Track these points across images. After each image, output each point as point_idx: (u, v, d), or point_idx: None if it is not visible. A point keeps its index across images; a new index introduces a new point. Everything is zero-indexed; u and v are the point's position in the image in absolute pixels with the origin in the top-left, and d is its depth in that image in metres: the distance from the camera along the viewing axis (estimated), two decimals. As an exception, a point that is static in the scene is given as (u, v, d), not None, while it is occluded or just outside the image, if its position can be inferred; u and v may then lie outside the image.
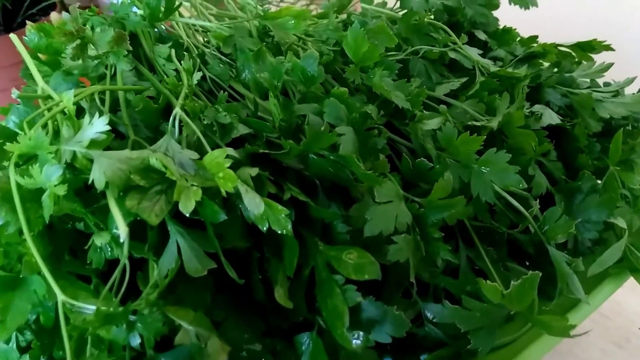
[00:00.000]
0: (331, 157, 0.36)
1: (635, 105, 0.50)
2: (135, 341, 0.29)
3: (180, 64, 0.44)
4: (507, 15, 0.64)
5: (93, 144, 0.32)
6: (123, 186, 0.32)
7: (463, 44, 0.57)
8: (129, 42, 0.43)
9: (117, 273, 0.32)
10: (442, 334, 0.39)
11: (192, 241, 0.33)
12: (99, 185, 0.31)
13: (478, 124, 0.45)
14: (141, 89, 0.42)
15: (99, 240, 0.32)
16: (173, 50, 0.44)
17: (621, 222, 0.43)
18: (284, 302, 0.33)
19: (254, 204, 0.32)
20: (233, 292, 0.37)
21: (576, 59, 0.62)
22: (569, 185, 0.46)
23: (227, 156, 0.34)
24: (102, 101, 0.43)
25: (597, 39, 0.60)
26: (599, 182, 0.47)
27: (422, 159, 0.41)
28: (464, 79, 0.51)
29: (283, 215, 0.32)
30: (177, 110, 0.36)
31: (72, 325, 0.29)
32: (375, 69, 0.46)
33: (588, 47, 0.60)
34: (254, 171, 0.34)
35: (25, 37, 0.47)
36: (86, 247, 0.33)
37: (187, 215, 0.32)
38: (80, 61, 0.43)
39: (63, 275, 0.34)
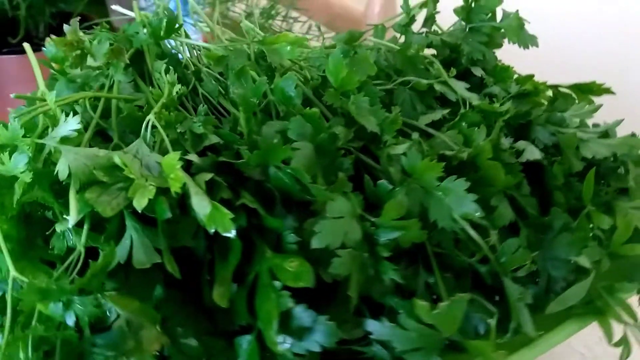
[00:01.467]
0: (286, 170, 0.38)
1: (620, 146, 0.50)
2: (71, 320, 0.31)
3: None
4: (518, 55, 0.65)
5: (64, 140, 0.36)
6: (87, 180, 0.35)
7: (454, 77, 0.58)
8: (126, 56, 0.47)
9: (71, 258, 0.35)
10: (388, 355, 0.40)
11: (144, 236, 0.36)
12: (62, 175, 0.34)
13: (450, 153, 0.46)
14: (130, 98, 0.45)
15: (60, 227, 0.35)
16: (163, 65, 0.47)
17: (584, 261, 0.42)
18: (220, 300, 0.35)
19: (200, 205, 0.34)
20: (187, 292, 0.39)
21: (576, 101, 0.62)
22: (539, 220, 0.45)
23: (189, 161, 0.37)
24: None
25: (596, 82, 0.60)
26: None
27: (382, 180, 0.42)
28: (446, 110, 0.52)
29: (228, 219, 0.34)
30: (150, 117, 0.40)
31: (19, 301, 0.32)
32: (357, 94, 0.48)
33: (586, 89, 0.60)
34: (208, 176, 0.36)
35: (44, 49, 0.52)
36: (48, 233, 0.36)
37: (140, 211, 0.34)
38: (82, 71, 0.48)
39: (31, 259, 0.37)
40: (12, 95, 0.41)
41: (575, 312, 0.44)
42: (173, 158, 0.35)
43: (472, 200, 0.41)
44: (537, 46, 0.62)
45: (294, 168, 0.37)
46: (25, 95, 0.42)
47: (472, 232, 0.41)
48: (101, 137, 0.46)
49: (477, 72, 0.61)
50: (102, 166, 0.36)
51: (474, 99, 0.52)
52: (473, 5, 0.63)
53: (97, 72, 0.48)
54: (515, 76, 0.62)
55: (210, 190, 0.37)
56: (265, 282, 0.36)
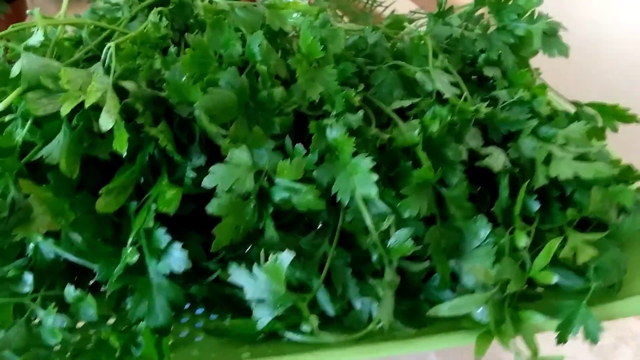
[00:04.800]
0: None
1: (586, 170, 0.44)
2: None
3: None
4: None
5: (28, 47, 0.43)
6: (35, 83, 0.42)
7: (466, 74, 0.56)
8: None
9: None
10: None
11: (70, 141, 0.42)
12: (13, 73, 0.41)
13: (386, 137, 0.45)
14: (124, 31, 0.52)
15: (8, 117, 0.43)
16: (156, 11, 0.52)
17: (479, 273, 0.39)
18: (101, 208, 0.40)
19: (105, 120, 0.39)
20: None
21: (599, 121, 0.56)
22: (460, 224, 0.43)
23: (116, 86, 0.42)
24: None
25: (619, 106, 0.53)
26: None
27: (298, 144, 0.43)
28: (416, 100, 0.51)
29: (124, 139, 0.39)
30: (111, 44, 0.45)
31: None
32: (328, 66, 0.49)
33: (607, 112, 0.54)
34: (127, 100, 0.41)
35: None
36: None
37: (63, 115, 0.40)
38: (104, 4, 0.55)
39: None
40: (27, 12, 0.50)
41: (465, 326, 0.41)
42: (95, 76, 0.40)
43: (373, 181, 0.40)
44: (566, 56, 0.57)
45: (197, 106, 0.40)
46: (40, 15, 0.51)
47: (365, 212, 0.41)
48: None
49: (490, 72, 0.57)
50: (52, 75, 0.42)
51: (449, 93, 0.50)
52: (509, 2, 0.60)
53: (115, 7, 0.56)
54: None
55: (130, 114, 0.42)
56: (148, 204, 0.40)
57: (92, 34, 0.53)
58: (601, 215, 0.46)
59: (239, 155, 0.41)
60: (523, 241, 0.41)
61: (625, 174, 0.49)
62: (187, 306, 0.47)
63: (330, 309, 0.41)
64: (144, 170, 0.43)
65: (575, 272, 0.45)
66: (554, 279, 0.39)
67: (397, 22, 0.69)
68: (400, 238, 0.40)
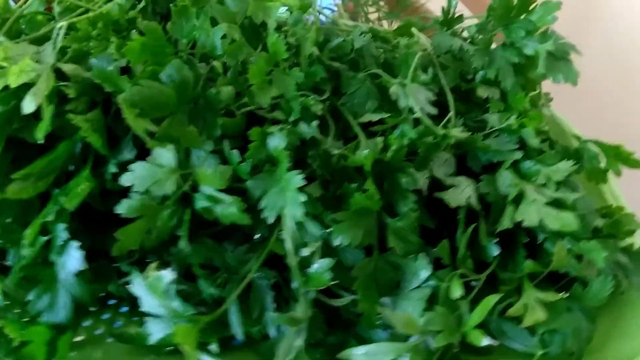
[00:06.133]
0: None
1: (552, 220, 0.38)
2: None
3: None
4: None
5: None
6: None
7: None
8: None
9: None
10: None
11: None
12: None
13: (337, 153, 0.41)
14: (84, 5, 0.49)
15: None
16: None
17: (399, 322, 0.35)
18: (13, 195, 0.38)
19: (28, 102, 0.37)
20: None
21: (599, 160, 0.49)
22: (399, 260, 0.38)
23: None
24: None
25: (622, 147, 0.47)
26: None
27: (235, 150, 0.40)
28: (388, 115, 0.46)
29: (42, 125, 0.37)
30: (62, 24, 0.43)
31: None
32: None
33: (609, 152, 0.47)
34: (59, 83, 0.39)
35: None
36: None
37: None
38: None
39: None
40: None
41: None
42: (28, 56, 0.38)
43: (300, 200, 0.37)
44: (574, 84, 0.50)
45: (120, 98, 0.37)
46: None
47: (288, 233, 0.37)
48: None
49: (484, 92, 0.52)
50: (-7, 52, 0.41)
51: (423, 111, 0.45)
52: (521, 16, 0.53)
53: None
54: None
55: (61, 99, 0.40)
56: (59, 195, 0.38)
57: (67, 11, 0.52)
58: (573, 271, 0.40)
59: (163, 155, 0.38)
60: (458, 291, 0.36)
61: (614, 227, 0.43)
62: (113, 302, 0.45)
63: (239, 333, 0.38)
64: (74, 157, 0.41)
65: (530, 332, 0.40)
66: (484, 341, 0.34)
67: (406, 27, 0.65)
68: (321, 267, 0.36)
